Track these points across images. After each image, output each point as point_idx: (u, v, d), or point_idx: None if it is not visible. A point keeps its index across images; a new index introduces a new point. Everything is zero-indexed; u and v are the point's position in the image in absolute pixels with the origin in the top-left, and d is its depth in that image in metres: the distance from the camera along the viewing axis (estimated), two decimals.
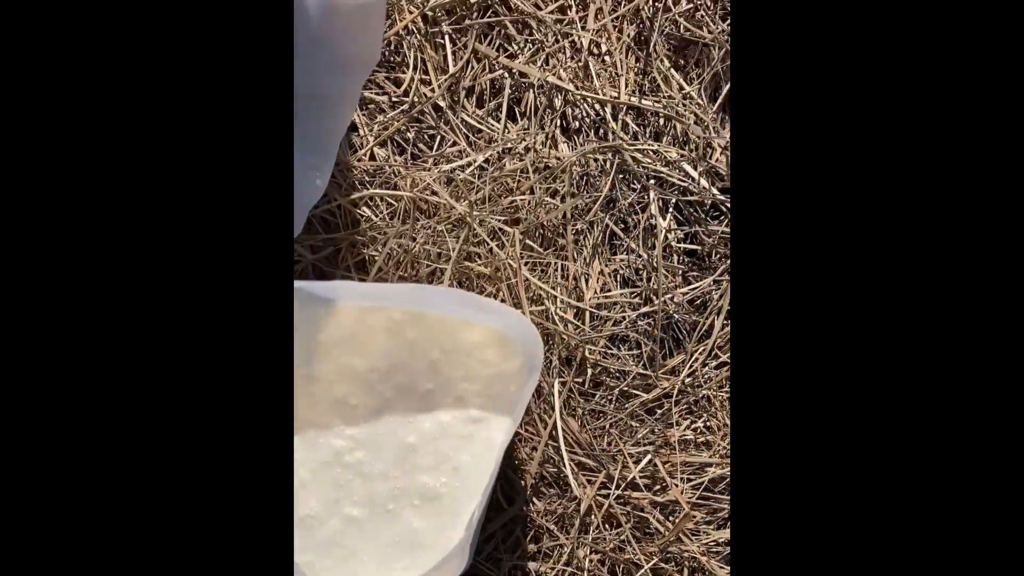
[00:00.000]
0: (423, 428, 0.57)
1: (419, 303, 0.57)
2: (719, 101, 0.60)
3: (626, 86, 0.60)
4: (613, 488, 0.58)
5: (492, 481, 0.52)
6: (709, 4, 0.59)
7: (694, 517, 0.57)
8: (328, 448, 0.58)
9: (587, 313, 0.59)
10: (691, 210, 0.60)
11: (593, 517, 0.58)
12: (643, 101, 0.60)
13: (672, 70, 0.59)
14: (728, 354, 0.59)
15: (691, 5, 0.59)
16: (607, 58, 0.60)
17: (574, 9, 0.60)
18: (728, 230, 0.59)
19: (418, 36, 0.61)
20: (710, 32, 0.59)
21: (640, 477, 0.58)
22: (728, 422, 0.58)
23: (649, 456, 0.58)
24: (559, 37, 0.60)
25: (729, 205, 0.59)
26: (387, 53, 0.61)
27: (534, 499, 0.58)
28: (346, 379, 0.58)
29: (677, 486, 0.58)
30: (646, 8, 0.59)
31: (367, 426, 0.58)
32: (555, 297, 0.59)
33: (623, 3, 0.60)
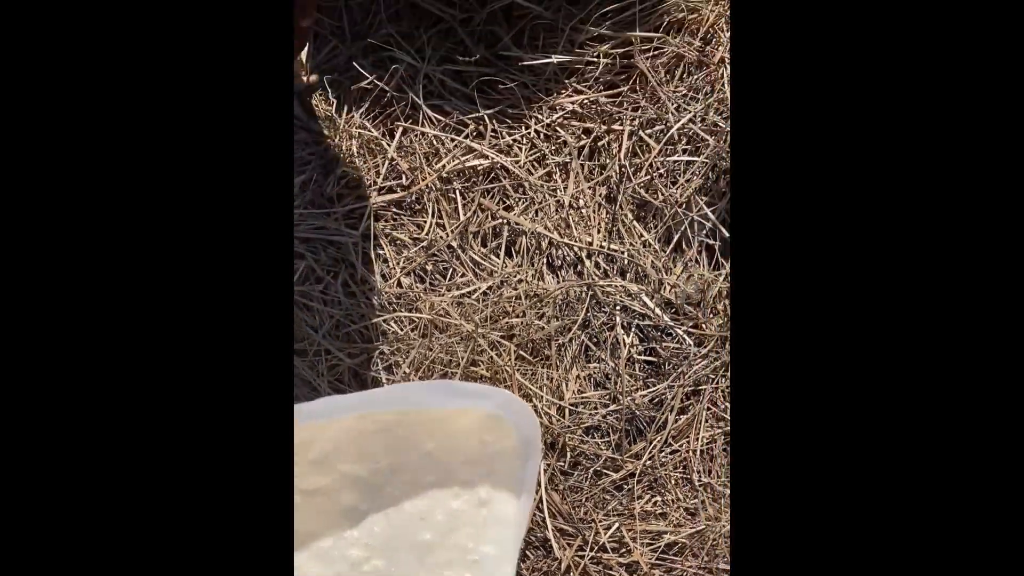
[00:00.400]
0: (437, 521, 0.58)
1: (409, 402, 0.59)
2: (671, 246, 0.77)
3: (598, 234, 0.77)
4: (588, 550, 0.71)
5: (516, 567, 0.56)
6: (663, 174, 0.77)
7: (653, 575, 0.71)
8: (343, 561, 0.57)
9: (567, 409, 0.74)
10: (649, 330, 0.76)
11: (571, 575, 0.71)
12: (611, 246, 0.76)
13: (634, 222, 0.77)
14: (680, 442, 0.74)
15: (648, 176, 0.77)
16: (583, 212, 0.77)
17: (558, 175, 0.78)
18: (678, 345, 0.75)
19: (435, 191, 0.77)
20: (662, 196, 0.77)
21: (609, 542, 0.71)
22: (680, 496, 0.73)
23: (617, 524, 0.72)
24: (546, 195, 0.77)
25: (681, 330, 0.76)
26: (410, 203, 0.78)
27: (523, 559, 0.71)
28: (350, 486, 0.58)
29: (638, 549, 0.71)
30: (614, 175, 0.77)
31: (380, 531, 0.58)
32: (541, 396, 0.74)
33: (596, 172, 0.77)
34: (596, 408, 0.74)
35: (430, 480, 0.60)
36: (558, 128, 0.77)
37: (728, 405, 0.74)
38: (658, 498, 0.73)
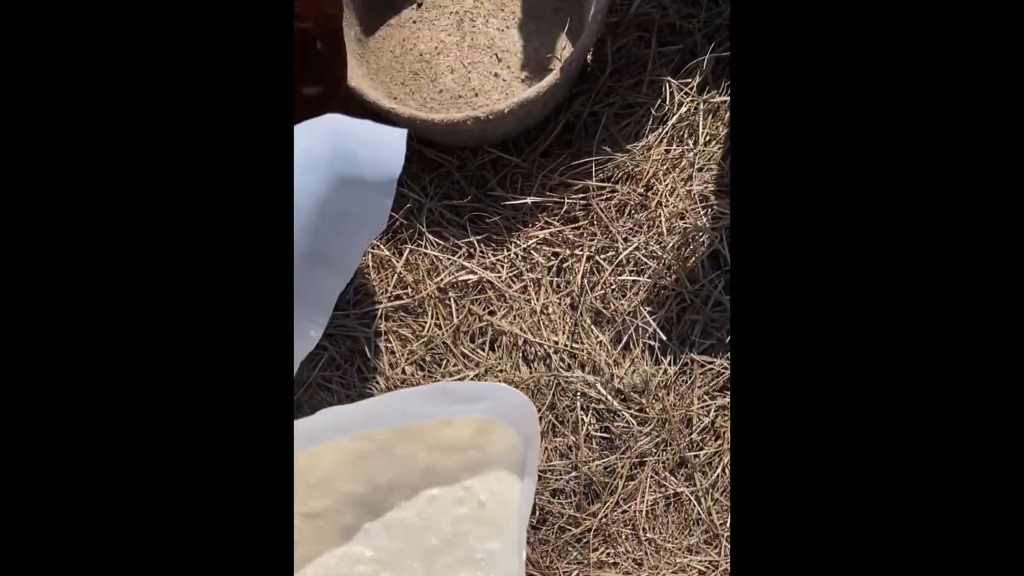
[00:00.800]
0: (442, 527, 0.62)
1: (409, 415, 0.60)
2: (620, 346, 0.94)
3: (563, 335, 0.95)
4: None
5: (523, 558, 0.58)
6: (614, 290, 0.96)
7: None
8: None
9: (538, 475, 0.89)
10: (603, 412, 0.92)
11: None
12: (573, 345, 0.94)
13: (592, 326, 0.95)
14: (629, 504, 0.89)
15: (602, 291, 0.95)
16: (551, 317, 0.95)
17: (532, 288, 0.96)
18: (626, 425, 0.92)
19: (434, 299, 0.95)
20: (613, 306, 0.95)
21: None
22: (628, 549, 0.87)
23: (576, 572, 0.86)
24: (522, 304, 0.95)
25: (628, 413, 0.92)
26: (414, 307, 0.95)
27: None
28: (352, 506, 0.61)
29: None
30: (575, 290, 0.96)
31: (385, 545, 0.60)
32: None
33: (561, 286, 0.96)
34: (561, 474, 0.90)
35: (432, 492, 0.62)
36: (532, 251, 0.96)
37: (668, 474, 0.90)
38: (611, 550, 0.88)
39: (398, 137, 0.64)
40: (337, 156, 0.60)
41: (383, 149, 0.62)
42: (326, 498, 0.62)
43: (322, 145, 0.56)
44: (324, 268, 0.61)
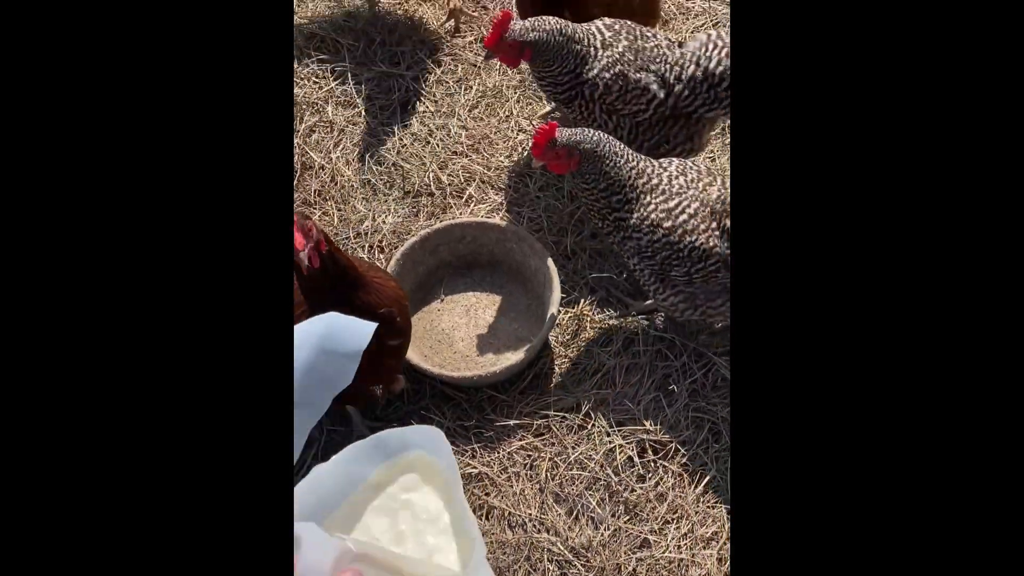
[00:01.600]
0: (405, 531, 0.86)
1: (345, 490, 0.81)
2: (572, 516, 1.37)
3: (534, 509, 1.37)
4: None
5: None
6: (567, 479, 1.40)
7: None
8: None
9: None
10: (562, 562, 1.32)
11: None
12: (541, 516, 1.36)
13: (553, 504, 1.38)
14: None
15: (559, 481, 1.40)
16: (527, 496, 1.38)
17: (514, 478, 1.40)
18: (577, 571, 1.32)
19: None
20: (567, 491, 1.39)
21: None
22: None
23: None
24: (508, 488, 1.39)
25: (579, 563, 1.33)
26: None
27: None
28: None
29: None
30: (542, 479, 1.40)
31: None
32: None
33: (532, 477, 1.40)
34: None
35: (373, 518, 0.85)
36: (513, 455, 1.42)
37: None
38: None
39: (367, 327, 0.81)
40: (325, 337, 0.80)
41: (356, 332, 0.81)
42: None
43: (318, 327, 0.79)
44: (304, 410, 0.80)
